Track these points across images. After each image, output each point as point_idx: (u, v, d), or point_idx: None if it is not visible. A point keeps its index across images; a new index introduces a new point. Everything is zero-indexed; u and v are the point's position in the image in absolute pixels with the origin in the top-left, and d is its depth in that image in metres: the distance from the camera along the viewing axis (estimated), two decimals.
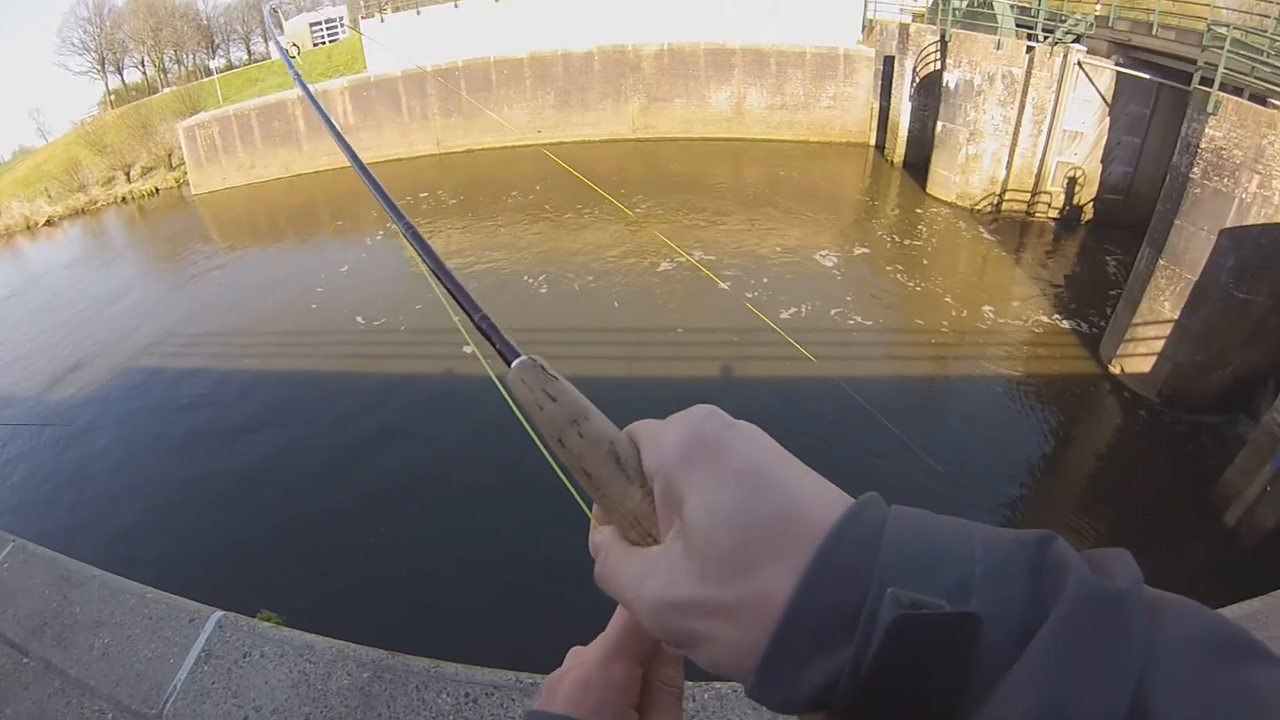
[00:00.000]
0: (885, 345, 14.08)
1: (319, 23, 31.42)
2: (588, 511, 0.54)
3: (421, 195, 20.10)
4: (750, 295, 14.61)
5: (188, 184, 26.18)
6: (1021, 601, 0.36)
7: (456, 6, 21.61)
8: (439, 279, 0.65)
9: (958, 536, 0.40)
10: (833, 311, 14.71)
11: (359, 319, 15.26)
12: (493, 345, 0.58)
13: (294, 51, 23.15)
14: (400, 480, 10.86)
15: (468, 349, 10.93)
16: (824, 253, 17.19)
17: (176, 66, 50.71)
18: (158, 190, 28.24)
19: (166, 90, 38.50)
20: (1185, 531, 9.53)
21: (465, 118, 22.66)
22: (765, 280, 15.88)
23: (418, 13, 21.66)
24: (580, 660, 0.60)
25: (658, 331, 13.86)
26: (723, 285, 14.79)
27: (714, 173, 22.06)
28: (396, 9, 22.68)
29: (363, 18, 22.60)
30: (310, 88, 1.17)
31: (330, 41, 28.72)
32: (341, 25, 30.54)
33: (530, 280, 15.62)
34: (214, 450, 12.06)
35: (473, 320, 0.60)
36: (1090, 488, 10.89)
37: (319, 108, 0.95)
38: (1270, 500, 9.01)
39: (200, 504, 10.88)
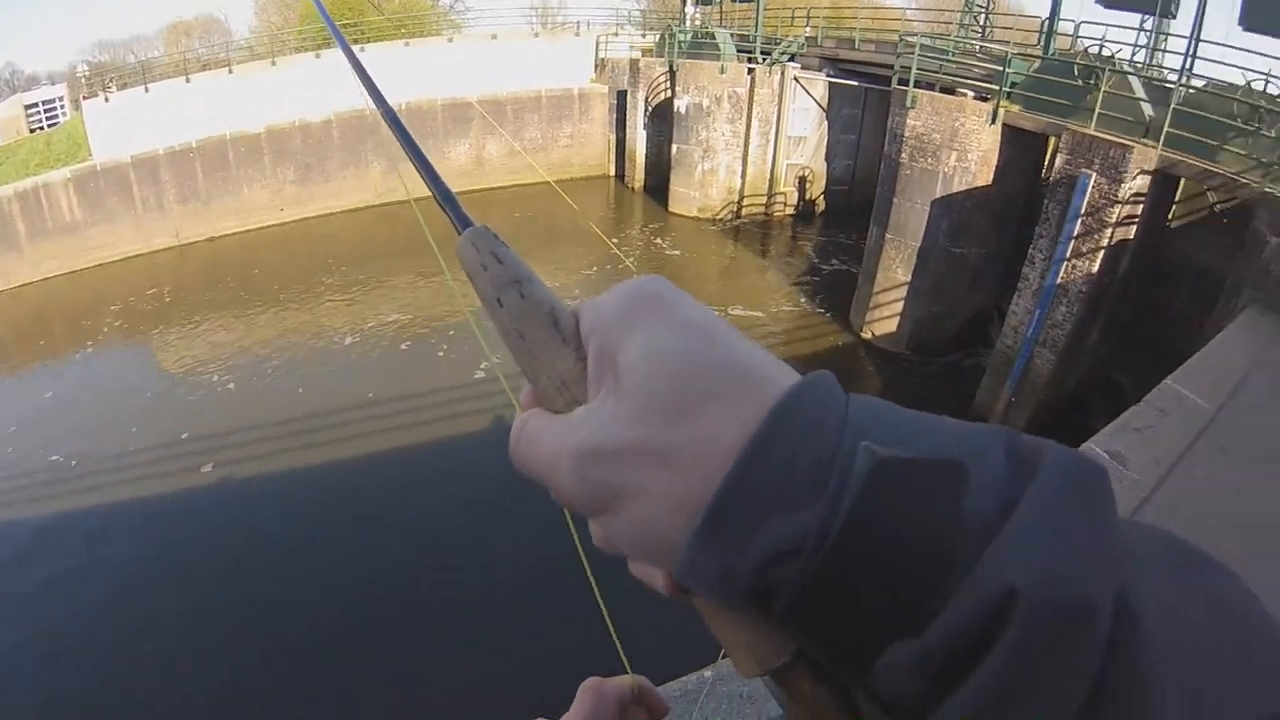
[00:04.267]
0: None
1: (35, 105, 26.62)
2: (515, 403, 0.48)
3: (160, 292, 17.22)
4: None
5: None
6: (1001, 468, 0.33)
7: (188, 81, 19.87)
8: (409, 152, 0.63)
9: (924, 417, 0.37)
10: None
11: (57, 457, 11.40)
12: (448, 214, 0.57)
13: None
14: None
15: (206, 468, 10.40)
16: (576, 291, 16.05)
17: None
18: None
19: None
20: None
21: (204, 203, 20.83)
22: None
23: (146, 89, 19.73)
24: None
25: (411, 398, 12.10)
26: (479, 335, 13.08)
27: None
28: (123, 85, 20.50)
29: (85, 97, 19.77)
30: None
31: (50, 125, 24.52)
32: (61, 107, 26.50)
33: (289, 372, 13.28)
34: None
35: (432, 189, 0.59)
36: None
37: (350, 54, 0.82)
38: (1016, 408, 10.96)
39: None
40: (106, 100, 19.70)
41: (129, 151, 19.59)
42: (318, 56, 21.67)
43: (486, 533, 9.14)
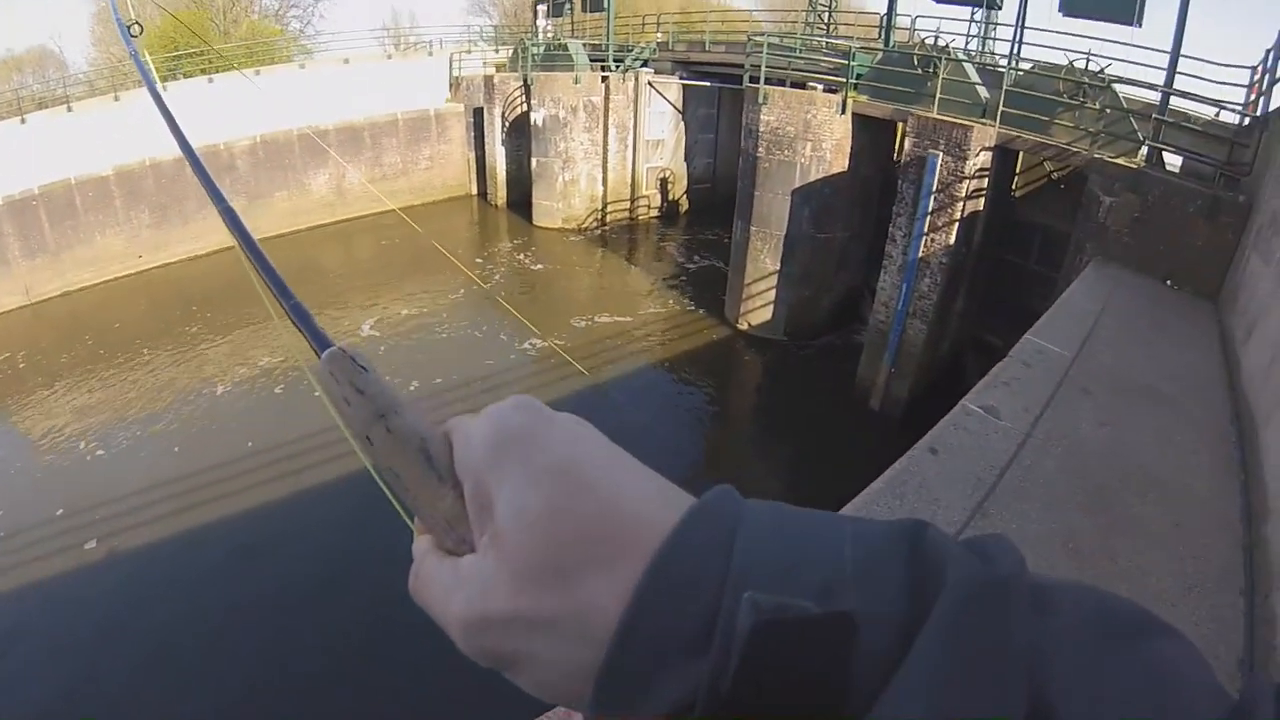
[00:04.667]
0: (510, 384, 12.91)
1: None
2: (409, 523, 0.46)
3: (14, 357, 15.66)
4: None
5: None
6: (899, 599, 0.32)
7: (24, 122, 18.13)
8: (255, 266, 0.58)
9: (822, 532, 0.35)
10: (454, 375, 13.42)
11: None
12: (303, 335, 0.53)
13: None
14: None
15: (89, 544, 9.53)
16: (444, 317, 15.80)
17: None
18: None
19: None
20: (845, 429, 11.59)
21: (54, 255, 18.95)
22: (382, 351, 14.41)
23: None
24: None
25: (293, 442, 11.39)
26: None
27: (327, 259, 20.78)
28: None
29: None
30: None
31: None
32: None
33: (162, 431, 12.37)
34: None
35: (284, 307, 0.55)
36: (761, 424, 12.74)
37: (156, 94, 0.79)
38: (897, 379, 11.50)
39: None
40: None
41: None
42: (164, 89, 20.30)
43: (396, 563, 8.85)
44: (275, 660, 7.83)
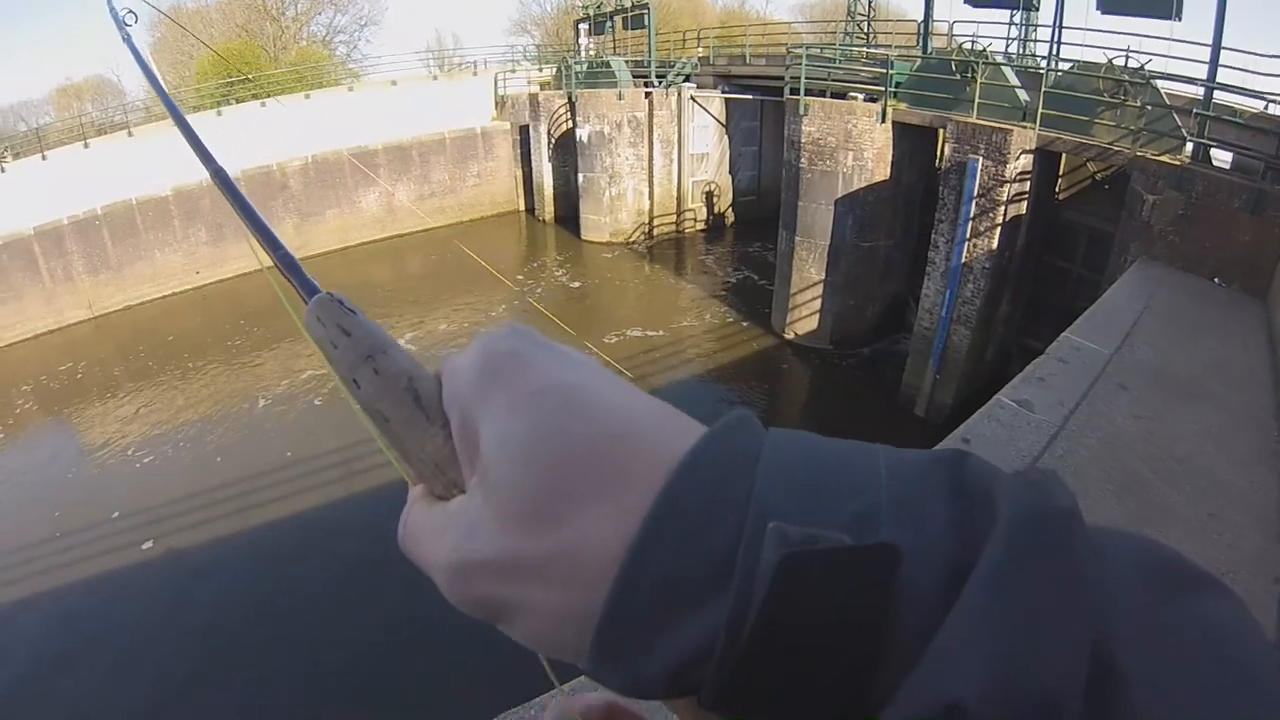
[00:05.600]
0: None
1: None
2: (406, 476, 0.43)
3: (74, 367, 16.45)
4: None
5: None
6: (946, 532, 0.28)
7: (87, 146, 19.04)
8: (245, 217, 0.59)
9: (853, 459, 0.31)
10: None
11: None
12: (292, 284, 0.51)
13: None
14: None
15: (146, 545, 9.91)
16: (485, 325, 15.88)
17: None
18: None
19: None
20: (891, 436, 11.08)
21: (116, 272, 19.92)
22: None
23: (43, 157, 18.83)
24: None
25: (331, 453, 11.65)
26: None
27: (376, 275, 21.33)
28: (17, 155, 19.42)
29: None
30: None
31: None
32: None
33: (204, 440, 12.79)
34: None
35: (273, 258, 0.54)
36: (811, 430, 12.69)
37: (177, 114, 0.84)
38: (941, 384, 11.49)
39: None
40: (2, 170, 18.76)
41: (31, 223, 18.65)
42: (219, 114, 21.24)
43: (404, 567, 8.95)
44: (312, 658, 8.14)
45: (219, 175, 0.68)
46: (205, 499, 10.93)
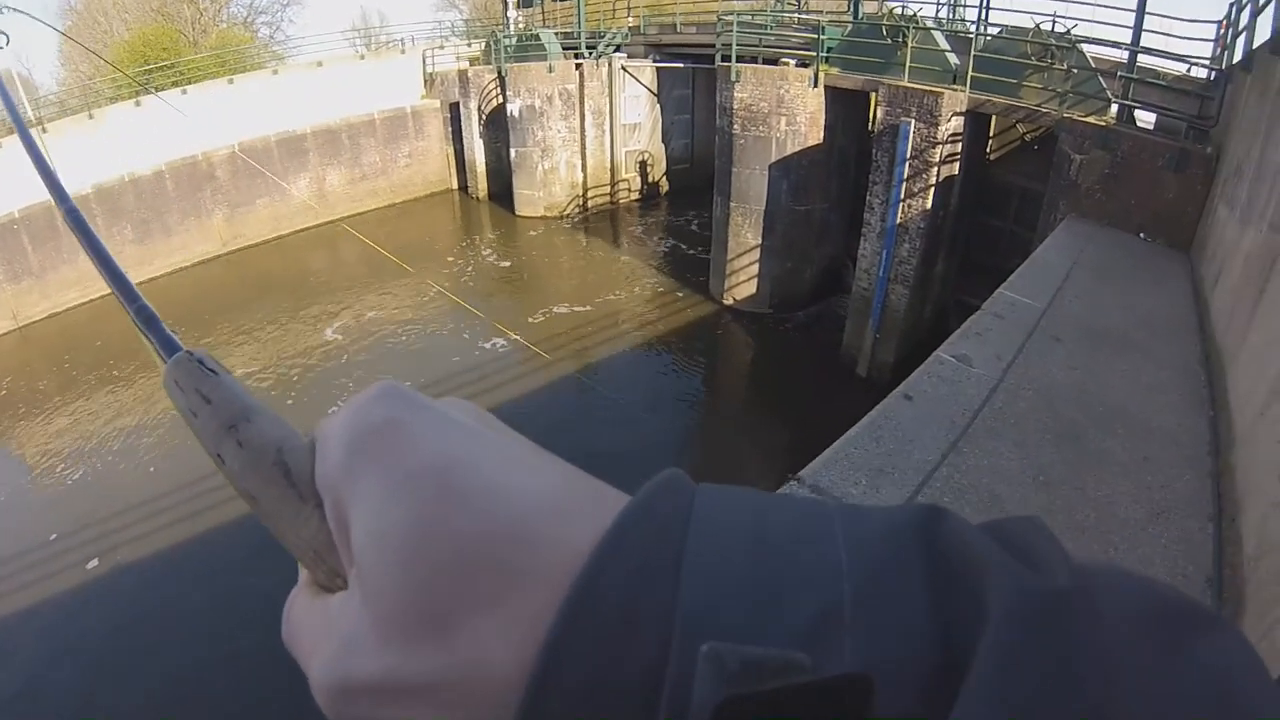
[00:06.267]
0: (477, 382, 12.79)
1: None
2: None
3: (4, 382, 15.51)
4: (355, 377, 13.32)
5: None
6: (926, 635, 0.23)
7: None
8: (100, 266, 0.52)
9: (805, 528, 0.26)
10: (421, 378, 12.81)
11: None
12: (149, 341, 0.45)
13: None
14: None
15: (91, 564, 9.56)
16: (409, 314, 15.63)
17: None
18: None
19: None
20: (834, 397, 11.69)
21: (38, 278, 18.82)
22: (375, 356, 14.21)
23: None
24: None
25: None
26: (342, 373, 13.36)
27: (313, 263, 20.60)
28: None
29: None
30: None
31: None
32: None
33: (136, 451, 12.24)
34: None
35: (129, 311, 0.47)
36: (749, 396, 12.88)
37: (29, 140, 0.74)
38: (881, 343, 11.70)
39: None
40: None
41: None
42: (138, 104, 20.34)
43: None
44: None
45: (72, 215, 0.59)
46: (144, 510, 10.60)
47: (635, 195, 22.05)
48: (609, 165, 21.46)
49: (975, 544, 0.26)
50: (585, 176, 21.29)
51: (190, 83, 21.89)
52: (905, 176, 10.70)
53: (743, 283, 14.45)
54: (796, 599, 0.24)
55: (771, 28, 15.44)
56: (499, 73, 20.77)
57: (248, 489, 0.36)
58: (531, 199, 21.19)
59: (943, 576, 0.25)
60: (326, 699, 0.29)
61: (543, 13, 25.56)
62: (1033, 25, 10.84)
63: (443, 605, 0.26)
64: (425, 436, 0.30)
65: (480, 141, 22.93)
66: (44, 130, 19.17)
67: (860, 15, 15.11)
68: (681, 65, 20.06)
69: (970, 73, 10.27)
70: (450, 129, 24.44)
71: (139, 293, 0.48)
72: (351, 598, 0.29)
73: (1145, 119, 9.56)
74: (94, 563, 9.77)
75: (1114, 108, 9.25)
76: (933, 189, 10.61)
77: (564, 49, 20.86)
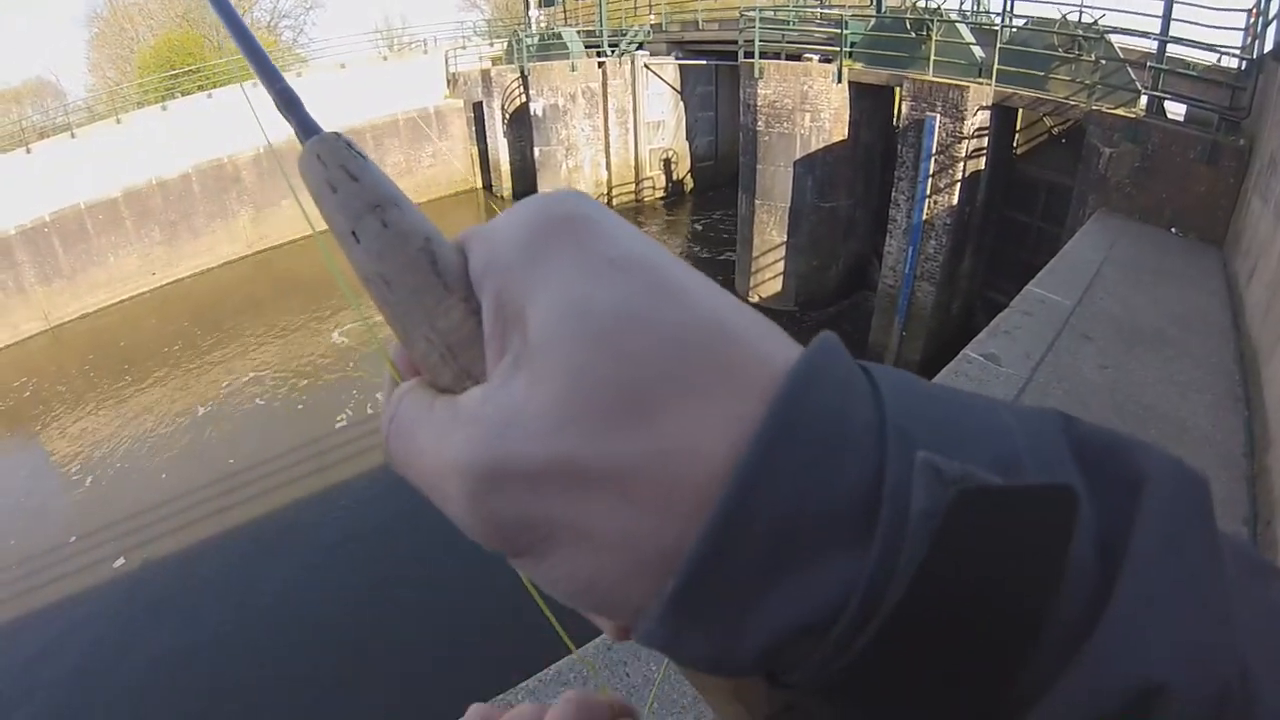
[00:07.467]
0: None
1: None
2: (390, 368, 0.33)
3: (25, 384, 15.83)
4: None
5: None
6: (1085, 492, 0.22)
7: (29, 152, 18.28)
8: (242, 45, 0.47)
9: (968, 397, 0.25)
10: None
11: None
12: (289, 121, 0.42)
13: None
14: None
15: (118, 562, 9.64)
16: None
17: None
18: None
19: None
20: None
21: (69, 280, 19.08)
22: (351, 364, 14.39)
23: None
24: None
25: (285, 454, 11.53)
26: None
27: (342, 263, 20.15)
28: None
29: None
30: None
31: None
32: None
33: (149, 453, 12.35)
34: None
35: (271, 91, 0.43)
36: None
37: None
38: (908, 340, 11.61)
39: None
40: None
41: None
42: (164, 108, 20.63)
43: (390, 557, 9.00)
44: (306, 635, 8.13)
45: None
46: (164, 510, 10.69)
47: (660, 193, 21.98)
48: (633, 163, 21.38)
49: (1108, 432, 0.25)
50: (610, 175, 21.31)
51: (215, 86, 22.08)
52: (931, 172, 10.61)
53: (768, 280, 14.38)
54: (980, 442, 0.23)
55: (794, 23, 15.37)
56: (521, 72, 20.77)
57: (382, 272, 0.32)
58: None
59: (1081, 451, 0.24)
60: (475, 485, 0.24)
61: (564, 11, 25.55)
62: (1059, 16, 10.70)
63: (651, 389, 0.23)
64: (622, 232, 0.28)
65: (504, 141, 22.91)
66: (72, 135, 19.50)
67: (883, 9, 15.00)
68: (704, 62, 20.04)
69: (996, 66, 10.15)
70: (474, 129, 24.45)
71: (281, 74, 0.45)
72: (509, 385, 0.25)
73: (1175, 110, 9.42)
74: (120, 560, 9.90)
75: (1143, 99, 9.08)
76: (959, 184, 10.50)
77: (586, 47, 20.86)
